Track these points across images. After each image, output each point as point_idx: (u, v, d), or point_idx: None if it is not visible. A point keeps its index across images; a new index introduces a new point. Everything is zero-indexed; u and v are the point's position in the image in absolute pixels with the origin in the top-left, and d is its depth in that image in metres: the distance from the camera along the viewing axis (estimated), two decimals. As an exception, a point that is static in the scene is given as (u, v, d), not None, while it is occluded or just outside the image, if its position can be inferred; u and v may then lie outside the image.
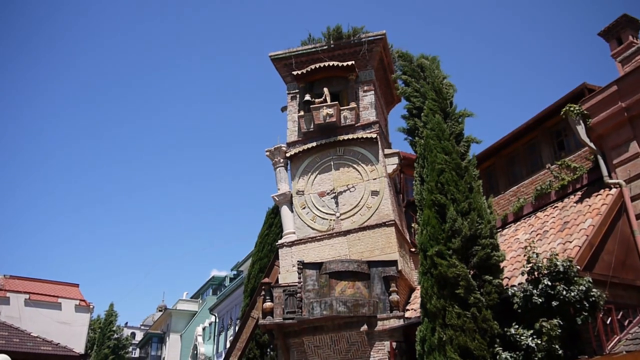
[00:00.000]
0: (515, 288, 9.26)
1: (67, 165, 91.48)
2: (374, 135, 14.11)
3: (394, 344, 11.66)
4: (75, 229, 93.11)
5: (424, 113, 11.31)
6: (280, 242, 14.05)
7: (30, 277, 29.36)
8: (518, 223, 12.83)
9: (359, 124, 14.50)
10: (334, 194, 13.95)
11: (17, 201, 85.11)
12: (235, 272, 37.31)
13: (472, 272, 9.45)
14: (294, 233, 13.90)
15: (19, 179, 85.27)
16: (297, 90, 15.52)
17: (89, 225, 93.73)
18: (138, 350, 51.28)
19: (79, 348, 22.66)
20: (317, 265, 12.61)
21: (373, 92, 14.96)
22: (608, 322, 9.05)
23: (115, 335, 39.52)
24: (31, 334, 18.11)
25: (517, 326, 8.68)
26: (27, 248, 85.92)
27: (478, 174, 10.64)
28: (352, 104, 14.62)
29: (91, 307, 29.81)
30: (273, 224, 19.09)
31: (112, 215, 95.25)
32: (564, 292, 8.34)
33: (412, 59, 12.61)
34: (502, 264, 9.83)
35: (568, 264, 8.59)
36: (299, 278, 12.48)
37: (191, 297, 48.94)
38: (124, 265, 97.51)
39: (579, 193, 11.54)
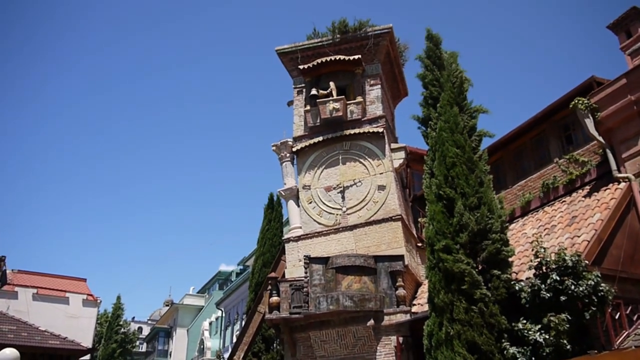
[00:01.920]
0: (522, 283, 9.20)
1: (75, 160, 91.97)
2: (381, 130, 14.05)
3: (401, 338, 11.66)
4: (83, 223, 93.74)
5: (439, 104, 11.22)
6: (286, 236, 14.03)
7: (38, 271, 29.68)
8: (526, 217, 12.75)
9: (365, 118, 14.43)
10: (340, 189, 13.91)
11: (24, 196, 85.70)
12: (241, 267, 37.45)
13: (480, 267, 9.40)
14: (300, 228, 13.87)
15: (25, 174, 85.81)
16: (303, 85, 15.45)
17: (97, 220, 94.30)
18: (145, 344, 51.58)
19: (87, 342, 22.82)
20: (323, 260, 12.61)
21: (380, 86, 14.88)
22: (617, 317, 9.00)
23: (123, 330, 39.74)
24: (39, 328, 18.20)
25: (524, 321, 8.63)
26: (34, 243, 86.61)
27: (488, 168, 10.57)
28: (359, 98, 14.55)
29: (98, 301, 30.04)
30: (272, 219, 19.13)
31: (119, 210, 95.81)
32: (572, 287, 8.28)
33: (440, 42, 12.44)
34: (510, 259, 9.78)
35: (576, 258, 8.54)
36: (306, 273, 12.48)
37: (198, 292, 49.13)
38: (131, 260, 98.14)
39: (588, 187, 11.45)
